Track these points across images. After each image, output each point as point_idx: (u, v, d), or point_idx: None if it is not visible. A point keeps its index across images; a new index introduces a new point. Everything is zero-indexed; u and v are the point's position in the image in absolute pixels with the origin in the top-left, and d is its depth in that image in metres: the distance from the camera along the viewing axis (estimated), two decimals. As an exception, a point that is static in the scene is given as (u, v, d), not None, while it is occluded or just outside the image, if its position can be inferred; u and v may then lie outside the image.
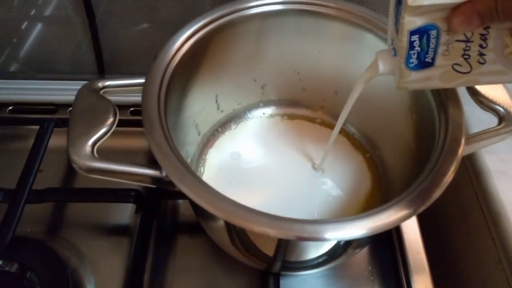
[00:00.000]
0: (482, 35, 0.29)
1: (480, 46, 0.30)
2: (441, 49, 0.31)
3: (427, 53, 0.32)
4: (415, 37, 0.32)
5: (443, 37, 0.31)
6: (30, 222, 0.49)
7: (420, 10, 0.30)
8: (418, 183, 0.33)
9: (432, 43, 0.31)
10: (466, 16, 0.28)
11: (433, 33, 0.31)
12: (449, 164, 0.34)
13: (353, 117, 0.52)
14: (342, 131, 0.53)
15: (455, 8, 0.29)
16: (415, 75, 0.33)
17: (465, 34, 0.30)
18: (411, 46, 0.32)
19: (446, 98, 0.38)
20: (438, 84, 0.33)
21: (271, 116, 0.55)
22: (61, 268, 0.45)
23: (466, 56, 0.31)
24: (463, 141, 0.35)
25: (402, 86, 0.34)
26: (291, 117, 0.55)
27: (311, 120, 0.55)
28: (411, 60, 0.33)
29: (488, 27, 0.29)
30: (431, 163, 0.34)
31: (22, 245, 0.46)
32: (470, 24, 0.28)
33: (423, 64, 0.33)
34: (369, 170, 0.50)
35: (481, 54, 0.30)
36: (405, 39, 0.32)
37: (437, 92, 0.39)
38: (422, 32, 0.31)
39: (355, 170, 0.50)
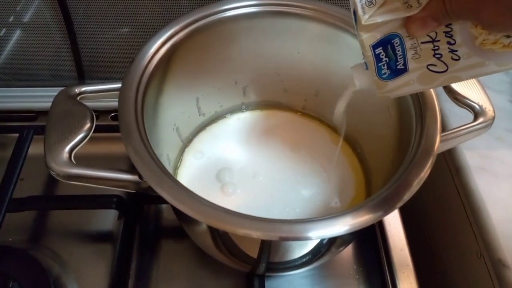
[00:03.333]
0: (446, 32, 0.29)
1: (449, 43, 0.29)
2: (409, 54, 0.31)
3: (396, 61, 0.32)
4: (379, 50, 0.32)
5: (408, 43, 0.31)
6: (12, 231, 0.48)
7: (375, 25, 0.31)
8: (395, 179, 0.33)
9: (398, 51, 0.31)
10: (421, 21, 0.28)
11: (396, 41, 0.31)
12: (425, 160, 0.34)
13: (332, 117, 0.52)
14: (330, 127, 0.53)
15: (409, 16, 0.29)
16: (392, 84, 0.33)
17: (429, 35, 0.30)
18: (377, 58, 0.32)
19: (422, 96, 0.38)
20: (418, 87, 0.33)
21: (252, 111, 0.55)
22: (44, 276, 0.44)
23: (438, 55, 0.30)
24: (438, 138, 0.35)
25: (383, 96, 0.34)
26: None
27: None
28: (383, 71, 0.33)
29: (450, 24, 0.28)
30: (408, 159, 0.35)
31: (3, 254, 0.46)
32: (427, 27, 0.28)
33: (396, 72, 0.32)
34: (355, 166, 0.50)
35: (452, 51, 0.30)
36: (369, 54, 0.32)
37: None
38: (384, 43, 0.31)
39: (344, 168, 0.50)
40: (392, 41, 0.31)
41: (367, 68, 0.34)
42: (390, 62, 0.32)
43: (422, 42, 0.30)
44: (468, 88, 0.40)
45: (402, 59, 0.32)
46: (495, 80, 0.58)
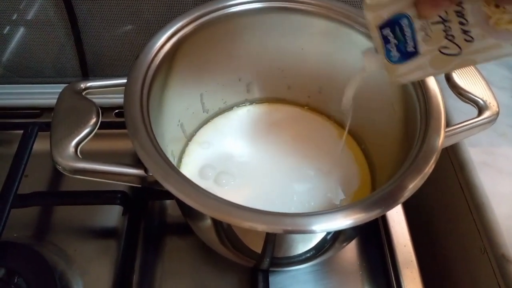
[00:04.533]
0: (457, 12, 0.27)
1: (461, 23, 0.27)
2: (419, 35, 0.30)
3: (406, 43, 0.30)
4: (386, 31, 0.31)
5: (417, 23, 0.29)
6: (17, 227, 0.48)
7: (381, 5, 0.29)
8: (400, 174, 0.33)
9: (407, 32, 0.30)
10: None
11: (404, 21, 0.30)
12: (430, 156, 0.34)
13: (337, 114, 0.53)
14: (335, 122, 0.53)
15: None
16: (402, 68, 0.32)
17: (439, 16, 0.28)
18: (385, 40, 0.31)
19: (426, 91, 0.38)
20: (431, 71, 0.31)
21: (256, 104, 0.55)
22: (49, 272, 0.45)
23: (450, 37, 0.28)
24: (443, 133, 0.35)
25: (394, 81, 0.33)
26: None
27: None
28: (392, 54, 0.32)
29: (461, 3, 0.27)
30: (413, 154, 0.35)
31: (9, 250, 0.46)
32: (438, 5, 0.27)
33: (407, 55, 0.31)
34: (360, 161, 0.50)
35: (465, 32, 0.28)
36: (376, 35, 0.31)
37: (418, 86, 0.39)
38: (392, 24, 0.30)
39: (349, 162, 0.50)
40: (400, 22, 0.30)
41: (377, 52, 0.33)
42: (399, 44, 0.31)
43: (432, 23, 0.29)
44: (472, 83, 0.40)
45: (412, 41, 0.30)
46: (498, 77, 0.58)
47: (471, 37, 0.28)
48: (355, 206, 0.32)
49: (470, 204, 0.48)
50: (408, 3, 0.29)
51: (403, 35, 0.30)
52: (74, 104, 0.37)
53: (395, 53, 0.32)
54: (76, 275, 0.46)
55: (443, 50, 0.29)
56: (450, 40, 0.29)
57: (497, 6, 0.26)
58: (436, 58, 0.30)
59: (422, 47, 0.30)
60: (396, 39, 0.31)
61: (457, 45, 0.29)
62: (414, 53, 0.31)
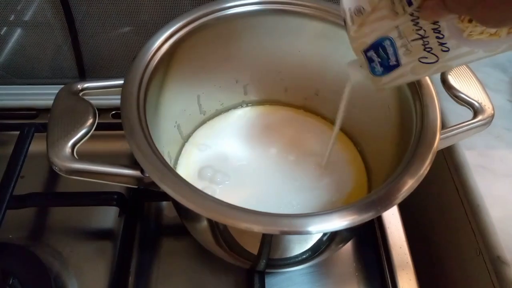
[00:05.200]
0: (434, 29, 0.30)
1: (437, 38, 0.30)
2: (401, 51, 0.32)
3: (388, 59, 0.33)
4: (370, 53, 0.34)
5: (398, 42, 0.32)
6: (12, 228, 0.48)
7: (364, 34, 0.32)
8: (395, 176, 0.34)
9: (390, 50, 0.33)
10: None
11: (387, 42, 0.32)
12: (425, 157, 0.34)
13: (332, 115, 0.53)
14: (331, 124, 0.53)
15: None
16: (386, 78, 0.35)
17: (418, 33, 0.30)
18: (370, 60, 0.34)
19: (422, 94, 0.39)
20: (412, 77, 0.34)
21: (252, 106, 0.55)
22: (44, 273, 0.44)
23: (428, 49, 0.31)
24: (438, 135, 0.36)
25: (379, 89, 0.36)
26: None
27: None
28: (376, 70, 0.35)
29: (437, 22, 0.29)
30: (408, 156, 0.35)
31: (4, 251, 0.46)
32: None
33: (389, 68, 0.34)
34: (355, 162, 0.50)
35: (441, 44, 0.30)
36: (362, 57, 0.34)
37: (414, 88, 0.39)
38: (375, 46, 0.33)
39: (344, 163, 0.50)
40: (383, 43, 0.33)
41: (361, 66, 0.36)
42: (382, 61, 0.34)
43: (412, 40, 0.31)
44: (467, 86, 0.40)
45: (394, 56, 0.33)
46: (493, 80, 0.58)
47: (447, 47, 0.30)
48: (351, 207, 0.32)
49: (465, 206, 0.48)
50: (389, 28, 0.32)
51: (386, 53, 0.33)
52: (71, 104, 0.37)
53: (378, 68, 0.35)
54: (72, 276, 0.46)
55: (422, 60, 0.32)
56: (428, 51, 0.31)
57: (470, 21, 0.28)
58: (416, 66, 0.33)
59: (403, 60, 0.33)
60: (380, 58, 0.34)
61: (434, 55, 0.31)
62: (396, 66, 0.33)
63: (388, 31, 0.32)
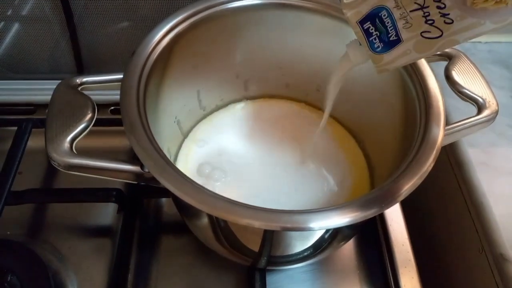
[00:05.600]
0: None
1: (439, 7, 0.28)
2: (400, 24, 0.30)
3: (388, 33, 0.31)
4: (367, 25, 0.32)
5: (396, 13, 0.30)
6: (10, 224, 0.48)
7: (358, 1, 0.30)
8: (399, 172, 0.33)
9: (388, 23, 0.31)
10: None
11: (383, 13, 0.30)
12: (429, 154, 0.34)
13: (334, 112, 0.52)
14: (336, 120, 0.53)
15: None
16: (388, 57, 0.33)
17: (416, 3, 0.29)
18: (367, 33, 0.32)
19: (426, 89, 0.38)
20: (416, 55, 0.32)
21: (253, 100, 0.55)
22: (43, 270, 0.44)
23: (430, 22, 0.29)
24: (442, 131, 0.35)
25: (381, 70, 0.34)
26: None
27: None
28: (376, 45, 0.32)
29: None
30: (412, 152, 0.35)
31: (2, 247, 0.45)
32: None
33: (390, 44, 0.32)
34: (358, 159, 0.50)
35: (444, 15, 0.28)
36: (358, 29, 0.32)
37: (418, 83, 0.39)
38: (371, 17, 0.31)
39: (344, 159, 0.49)
40: (380, 14, 0.31)
41: (360, 44, 0.34)
42: (381, 35, 0.32)
43: (411, 11, 0.29)
44: (471, 82, 0.40)
45: (393, 30, 0.31)
46: (496, 76, 0.58)
47: (451, 19, 0.28)
48: (353, 204, 0.31)
49: (468, 203, 0.48)
50: None
51: (384, 26, 0.31)
52: (70, 99, 0.37)
53: (378, 44, 0.32)
54: (70, 273, 0.45)
55: (424, 35, 0.30)
56: (430, 25, 0.29)
57: None
58: (419, 42, 0.31)
59: (404, 34, 0.31)
60: (378, 31, 0.32)
61: (437, 28, 0.29)
62: (397, 41, 0.31)
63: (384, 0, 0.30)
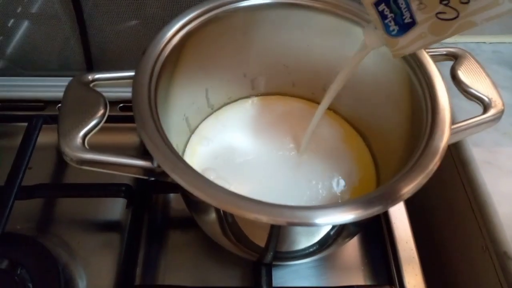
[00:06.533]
0: None
1: None
2: (414, 5, 0.30)
3: (402, 15, 0.31)
4: (381, 7, 0.31)
5: None
6: (21, 218, 0.48)
7: None
8: (405, 171, 0.33)
9: (402, 4, 0.30)
10: None
11: None
12: (435, 153, 0.34)
13: (340, 110, 0.53)
14: (343, 117, 0.53)
15: None
16: (403, 40, 0.32)
17: None
18: (382, 15, 0.32)
19: (432, 89, 0.39)
20: (432, 38, 0.31)
21: (260, 97, 0.55)
22: (52, 264, 0.45)
23: (445, 2, 0.28)
24: (449, 131, 0.35)
25: (397, 54, 0.34)
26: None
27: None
28: (391, 28, 0.32)
29: None
30: (418, 151, 0.35)
31: (12, 241, 0.46)
32: None
33: (405, 26, 0.31)
34: (364, 158, 0.50)
35: None
36: (373, 12, 0.32)
37: (424, 82, 0.39)
38: None
39: (350, 157, 0.50)
40: None
41: (376, 27, 0.34)
42: (396, 17, 0.31)
43: None
44: (477, 81, 0.40)
45: (407, 12, 0.31)
46: (500, 76, 0.58)
47: None
48: (359, 201, 0.32)
49: (472, 202, 0.48)
50: None
51: (398, 7, 0.31)
52: (82, 95, 0.37)
53: (393, 27, 0.32)
54: (80, 267, 0.46)
55: (440, 16, 0.29)
56: (445, 5, 0.29)
57: None
58: (434, 24, 0.30)
59: (419, 16, 0.30)
60: (393, 13, 0.31)
61: (453, 8, 0.28)
62: (413, 23, 0.31)
63: None
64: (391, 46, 0.33)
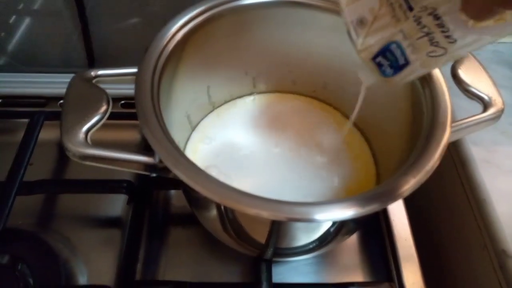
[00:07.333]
0: (437, 25, 0.30)
1: (442, 32, 0.30)
2: (408, 50, 0.32)
3: (397, 60, 0.33)
4: (379, 59, 0.34)
5: (404, 43, 0.32)
6: (22, 214, 0.49)
7: (370, 44, 0.33)
8: (405, 168, 0.34)
9: (397, 52, 0.33)
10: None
11: (393, 46, 0.33)
12: (435, 151, 0.34)
13: (341, 108, 0.53)
14: (340, 115, 0.54)
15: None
16: (397, 77, 0.35)
17: (422, 31, 0.31)
18: (379, 65, 0.35)
19: (433, 88, 0.39)
20: (423, 71, 0.34)
21: (261, 94, 0.55)
22: (53, 259, 0.45)
23: (435, 44, 0.31)
24: (449, 129, 0.36)
25: (392, 85, 0.36)
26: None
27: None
28: (387, 72, 0.35)
29: (439, 18, 0.29)
30: (418, 149, 0.35)
31: (13, 237, 0.46)
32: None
33: (400, 67, 0.34)
34: (364, 156, 0.50)
35: (448, 37, 0.30)
36: (371, 64, 0.35)
37: (425, 82, 0.39)
38: (383, 52, 0.34)
39: (350, 155, 0.50)
40: (390, 47, 0.33)
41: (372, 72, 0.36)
42: (391, 63, 0.34)
43: (418, 38, 0.31)
44: (477, 80, 0.40)
45: (402, 56, 0.33)
46: (500, 76, 0.58)
47: (454, 39, 0.30)
48: (358, 198, 0.32)
49: (471, 200, 0.49)
50: (394, 33, 0.32)
51: (394, 56, 0.33)
52: (85, 91, 0.37)
53: (389, 71, 0.35)
54: (81, 263, 0.46)
55: (430, 54, 0.32)
56: (436, 46, 0.31)
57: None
58: (425, 61, 0.33)
59: (412, 57, 0.33)
60: (389, 61, 0.34)
61: (442, 47, 0.31)
62: (406, 64, 0.34)
63: (393, 36, 0.32)
64: (386, 83, 0.36)
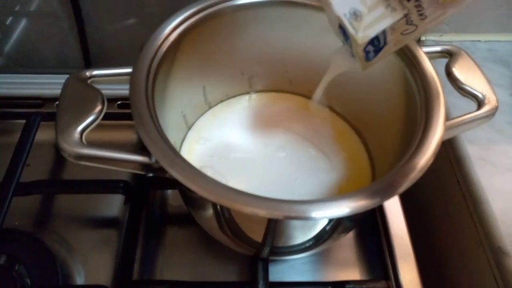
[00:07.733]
0: (416, 5, 0.32)
1: (418, 10, 0.32)
2: (389, 33, 0.34)
3: (379, 44, 0.35)
4: (368, 47, 0.35)
5: (388, 28, 0.33)
6: (18, 215, 0.48)
7: (368, 36, 0.34)
8: (399, 166, 0.34)
9: (382, 37, 0.34)
10: None
11: (381, 33, 0.34)
12: (430, 147, 0.34)
13: (335, 106, 0.53)
14: (337, 114, 0.54)
15: None
16: (375, 60, 0.36)
17: (403, 13, 0.32)
18: (367, 53, 0.36)
19: (427, 85, 0.39)
20: (394, 48, 0.36)
21: (258, 93, 0.56)
22: (50, 260, 0.45)
23: (410, 22, 0.33)
24: (443, 127, 0.36)
25: (367, 68, 0.38)
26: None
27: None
28: (370, 55, 0.36)
29: None
30: (413, 146, 0.35)
31: (10, 237, 0.46)
32: None
33: (380, 49, 0.35)
34: (359, 153, 0.50)
35: (421, 14, 0.32)
36: (361, 52, 0.35)
37: (419, 78, 0.40)
38: (372, 41, 0.34)
39: (345, 152, 0.50)
40: (378, 36, 0.34)
41: (352, 55, 0.38)
42: (376, 48, 0.35)
43: (397, 20, 0.33)
44: (472, 78, 0.40)
45: (383, 40, 0.34)
46: (495, 74, 0.59)
47: (425, 15, 0.32)
48: (354, 195, 0.32)
49: (467, 198, 0.49)
50: (392, 23, 0.33)
51: (379, 41, 0.34)
52: (80, 92, 0.37)
53: (372, 55, 0.36)
54: (78, 263, 0.46)
55: (404, 32, 0.34)
56: (409, 24, 0.33)
57: None
58: (398, 39, 0.35)
59: (389, 38, 0.34)
60: (374, 47, 0.35)
61: (414, 25, 0.33)
62: (384, 45, 0.35)
63: (392, 26, 0.33)
64: (364, 68, 0.37)
